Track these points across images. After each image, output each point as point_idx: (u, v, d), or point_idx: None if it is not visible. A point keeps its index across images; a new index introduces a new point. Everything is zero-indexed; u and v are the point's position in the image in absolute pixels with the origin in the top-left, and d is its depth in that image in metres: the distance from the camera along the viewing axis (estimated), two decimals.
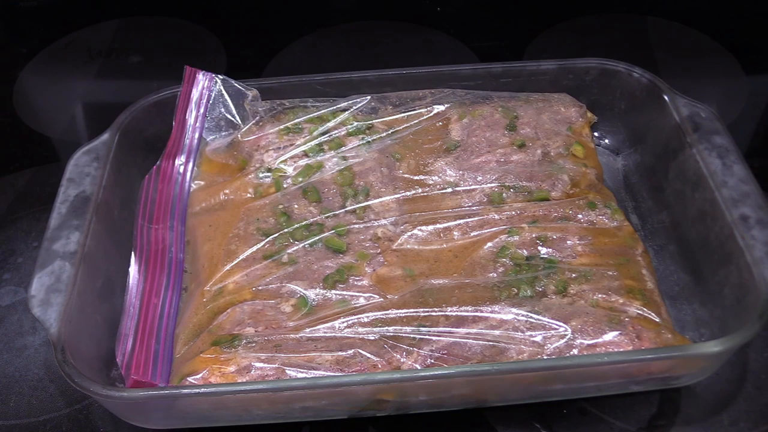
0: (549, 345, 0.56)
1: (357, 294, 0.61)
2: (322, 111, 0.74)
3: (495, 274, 0.62)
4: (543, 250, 0.63)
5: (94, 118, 0.92)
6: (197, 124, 0.74)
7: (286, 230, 0.66)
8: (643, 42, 0.97)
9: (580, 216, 0.66)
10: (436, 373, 0.54)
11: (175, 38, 1.02)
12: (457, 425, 0.60)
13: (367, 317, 0.59)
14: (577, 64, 0.76)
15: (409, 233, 0.65)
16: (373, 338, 0.58)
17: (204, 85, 0.74)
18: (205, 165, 0.73)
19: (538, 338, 0.56)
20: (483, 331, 0.57)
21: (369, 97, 0.75)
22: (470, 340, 0.57)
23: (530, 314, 0.58)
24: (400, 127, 0.73)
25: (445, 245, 0.65)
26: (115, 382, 0.60)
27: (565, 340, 0.56)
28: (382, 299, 0.61)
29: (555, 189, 0.68)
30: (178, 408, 0.56)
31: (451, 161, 0.70)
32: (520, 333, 0.57)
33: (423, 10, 1.04)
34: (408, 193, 0.69)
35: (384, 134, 0.73)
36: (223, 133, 0.74)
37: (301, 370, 0.56)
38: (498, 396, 0.58)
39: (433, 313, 0.59)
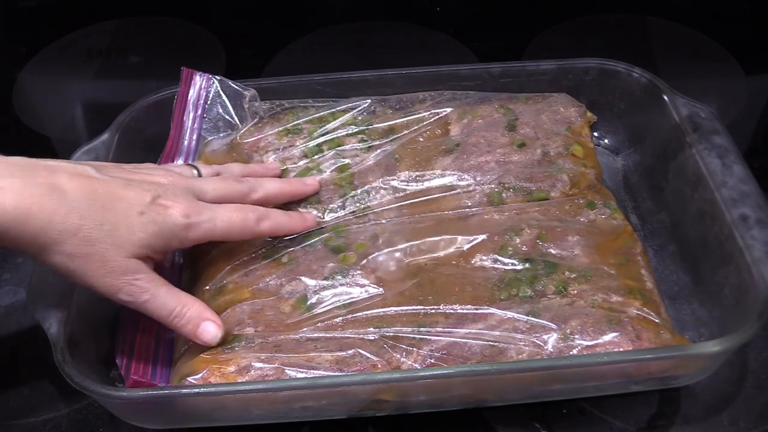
0: (548, 345, 0.56)
1: (357, 293, 0.61)
2: (322, 112, 0.74)
3: (495, 274, 0.62)
4: (542, 250, 0.63)
5: (94, 118, 0.92)
6: (195, 126, 0.74)
7: None
8: (643, 42, 0.97)
9: (579, 216, 0.66)
10: (436, 373, 0.54)
11: (175, 38, 1.02)
12: (456, 425, 0.60)
13: (367, 316, 0.59)
14: (577, 64, 0.76)
15: (409, 233, 0.65)
16: (372, 338, 0.58)
17: (201, 86, 0.74)
18: None
19: (538, 338, 0.56)
20: (482, 331, 0.57)
21: (369, 101, 0.75)
22: (470, 340, 0.57)
23: (530, 314, 0.58)
24: (400, 130, 0.73)
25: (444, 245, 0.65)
26: (115, 382, 0.60)
27: (564, 340, 0.56)
28: (381, 299, 0.61)
29: (554, 189, 0.68)
30: (178, 408, 0.56)
31: (450, 162, 0.70)
32: (519, 333, 0.57)
33: (423, 10, 1.04)
34: (407, 194, 0.69)
35: (384, 136, 0.73)
36: (222, 134, 0.74)
37: (301, 370, 0.55)
38: (497, 396, 0.58)
39: (433, 312, 0.59)
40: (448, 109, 0.74)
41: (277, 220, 0.63)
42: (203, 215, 0.57)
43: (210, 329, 0.57)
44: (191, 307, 0.57)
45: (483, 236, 0.64)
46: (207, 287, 0.63)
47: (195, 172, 0.64)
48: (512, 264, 0.62)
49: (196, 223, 0.57)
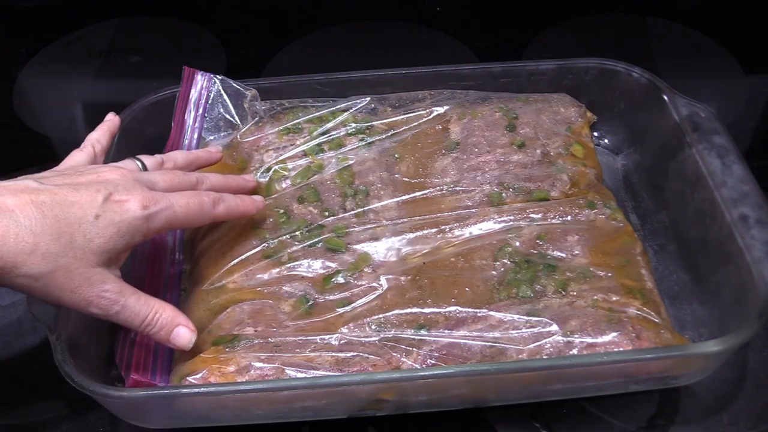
0: (548, 345, 0.56)
1: (356, 293, 0.61)
2: (322, 111, 0.74)
3: (495, 274, 0.62)
4: (542, 250, 0.63)
5: (94, 118, 0.91)
6: (196, 125, 0.74)
7: (285, 230, 0.66)
8: (643, 42, 0.97)
9: (579, 216, 0.66)
10: (436, 372, 0.54)
11: (175, 38, 1.02)
12: (456, 425, 0.60)
13: (367, 316, 0.59)
14: (577, 64, 0.76)
15: (409, 234, 0.65)
16: (372, 338, 0.58)
17: (202, 86, 0.74)
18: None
19: (538, 338, 0.56)
20: (482, 331, 0.57)
21: (369, 98, 0.75)
22: (470, 341, 0.57)
23: (529, 314, 0.58)
24: (400, 128, 0.73)
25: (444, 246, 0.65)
26: (114, 382, 0.60)
27: (564, 340, 0.56)
28: (381, 299, 0.61)
29: (554, 189, 0.68)
30: (178, 408, 0.56)
31: (450, 161, 0.70)
32: (519, 333, 0.57)
33: (423, 10, 1.04)
34: (408, 194, 0.69)
35: (384, 135, 0.73)
36: (222, 134, 0.74)
37: (301, 370, 0.56)
38: (497, 396, 0.58)
39: (433, 313, 0.59)
40: (448, 108, 0.74)
41: (230, 203, 0.61)
42: (160, 203, 0.55)
43: (183, 334, 0.56)
44: (162, 313, 0.55)
45: (483, 236, 0.64)
46: (206, 287, 0.63)
47: (139, 164, 0.61)
48: (512, 264, 0.62)
49: (155, 212, 0.55)
